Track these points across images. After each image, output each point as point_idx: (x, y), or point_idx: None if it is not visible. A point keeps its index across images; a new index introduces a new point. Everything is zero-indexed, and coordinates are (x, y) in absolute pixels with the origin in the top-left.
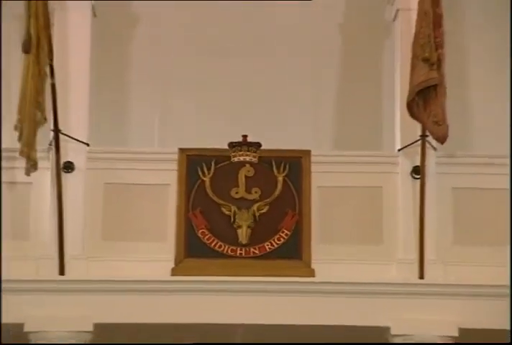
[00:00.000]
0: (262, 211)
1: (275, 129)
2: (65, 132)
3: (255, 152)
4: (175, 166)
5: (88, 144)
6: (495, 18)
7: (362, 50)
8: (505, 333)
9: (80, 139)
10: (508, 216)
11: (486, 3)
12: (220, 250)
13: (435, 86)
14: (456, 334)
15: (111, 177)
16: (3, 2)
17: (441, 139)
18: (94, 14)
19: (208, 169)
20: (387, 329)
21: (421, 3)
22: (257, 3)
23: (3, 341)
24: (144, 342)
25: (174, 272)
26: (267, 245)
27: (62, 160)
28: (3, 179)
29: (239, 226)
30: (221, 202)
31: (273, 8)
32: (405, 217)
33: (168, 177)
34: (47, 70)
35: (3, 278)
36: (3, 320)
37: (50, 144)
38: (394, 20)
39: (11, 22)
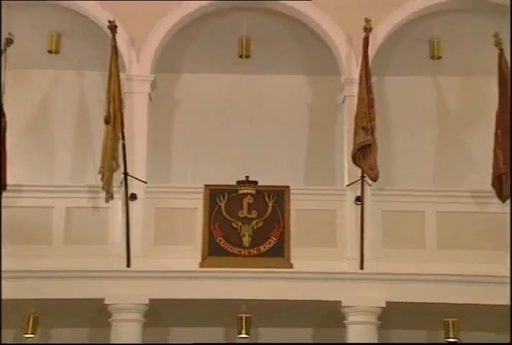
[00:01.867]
0: (259, 225)
1: (266, 171)
2: (130, 174)
3: (254, 187)
4: (201, 196)
5: (145, 182)
6: (408, 97)
7: (323, 121)
8: (414, 305)
9: (140, 179)
10: (423, 229)
11: (402, 88)
12: (231, 251)
13: (370, 145)
14: (384, 305)
15: (160, 204)
16: None
17: (374, 179)
18: (150, 98)
19: (223, 198)
20: (339, 302)
21: (359, 92)
22: (257, 93)
23: (86, 309)
24: (182, 310)
25: (201, 265)
26: (262, 247)
27: (129, 192)
28: (92, 205)
29: (243, 235)
30: (231, 219)
31: (267, 97)
32: (351, 229)
33: (197, 203)
34: (120, 135)
35: (89, 269)
36: (87, 296)
37: (121, 182)
38: (343, 102)
39: (98, 105)
